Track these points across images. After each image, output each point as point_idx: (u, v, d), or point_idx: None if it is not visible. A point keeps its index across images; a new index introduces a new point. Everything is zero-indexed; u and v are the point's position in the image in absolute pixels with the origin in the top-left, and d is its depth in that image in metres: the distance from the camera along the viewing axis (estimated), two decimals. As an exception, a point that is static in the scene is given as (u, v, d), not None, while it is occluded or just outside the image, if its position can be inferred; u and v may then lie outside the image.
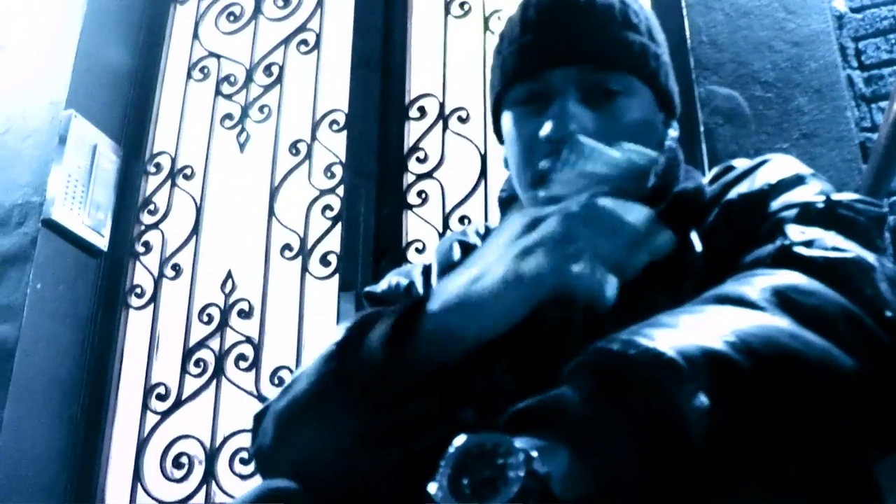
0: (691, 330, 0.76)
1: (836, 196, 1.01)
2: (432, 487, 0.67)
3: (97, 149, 2.98)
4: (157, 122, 3.21)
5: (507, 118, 1.18)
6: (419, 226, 2.71)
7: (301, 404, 0.99)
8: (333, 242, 2.78)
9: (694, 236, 1.05)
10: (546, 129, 1.08)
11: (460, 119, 2.79)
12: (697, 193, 1.12)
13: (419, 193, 2.75)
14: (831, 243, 0.91)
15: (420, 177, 2.77)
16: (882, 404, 0.80)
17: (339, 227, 2.79)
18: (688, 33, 2.40)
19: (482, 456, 0.66)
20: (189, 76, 3.23)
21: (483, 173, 2.70)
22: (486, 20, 2.88)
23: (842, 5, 2.36)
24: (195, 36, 3.30)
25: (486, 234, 1.28)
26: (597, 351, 0.74)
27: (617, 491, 0.68)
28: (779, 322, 0.79)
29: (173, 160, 3.12)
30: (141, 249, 3.03)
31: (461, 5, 2.94)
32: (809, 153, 2.20)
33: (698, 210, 1.10)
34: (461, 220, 2.66)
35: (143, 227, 3.07)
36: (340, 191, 2.83)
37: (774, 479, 0.76)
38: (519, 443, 0.66)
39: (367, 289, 1.33)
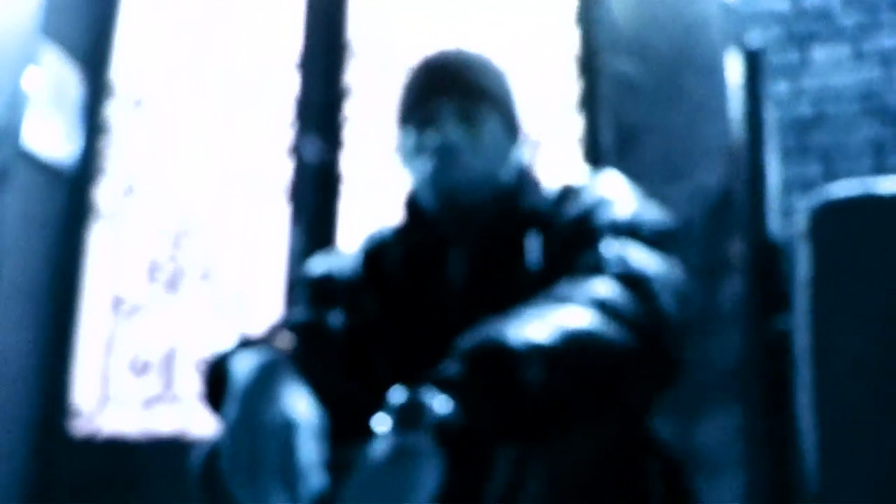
0: (535, 325, 1.19)
1: (638, 213, 1.47)
2: (376, 420, 1.09)
3: (65, 76, 3.25)
4: (121, 51, 3.44)
5: (403, 133, 1.65)
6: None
7: None
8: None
9: (532, 244, 1.51)
10: (431, 137, 1.57)
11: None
12: (536, 209, 1.58)
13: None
14: (634, 257, 1.36)
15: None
16: (649, 377, 1.28)
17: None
18: (597, 11, 2.75)
19: (412, 402, 1.08)
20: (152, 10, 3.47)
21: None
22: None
23: (730, -5, 2.73)
24: (158, -30, 3.51)
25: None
26: (471, 340, 1.17)
27: (483, 426, 1.12)
28: (591, 317, 1.21)
29: (135, 89, 3.39)
30: (104, 169, 3.32)
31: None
32: (694, 126, 2.59)
33: (540, 222, 1.55)
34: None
35: (105, 150, 3.35)
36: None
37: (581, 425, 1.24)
38: (433, 396, 1.08)
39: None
